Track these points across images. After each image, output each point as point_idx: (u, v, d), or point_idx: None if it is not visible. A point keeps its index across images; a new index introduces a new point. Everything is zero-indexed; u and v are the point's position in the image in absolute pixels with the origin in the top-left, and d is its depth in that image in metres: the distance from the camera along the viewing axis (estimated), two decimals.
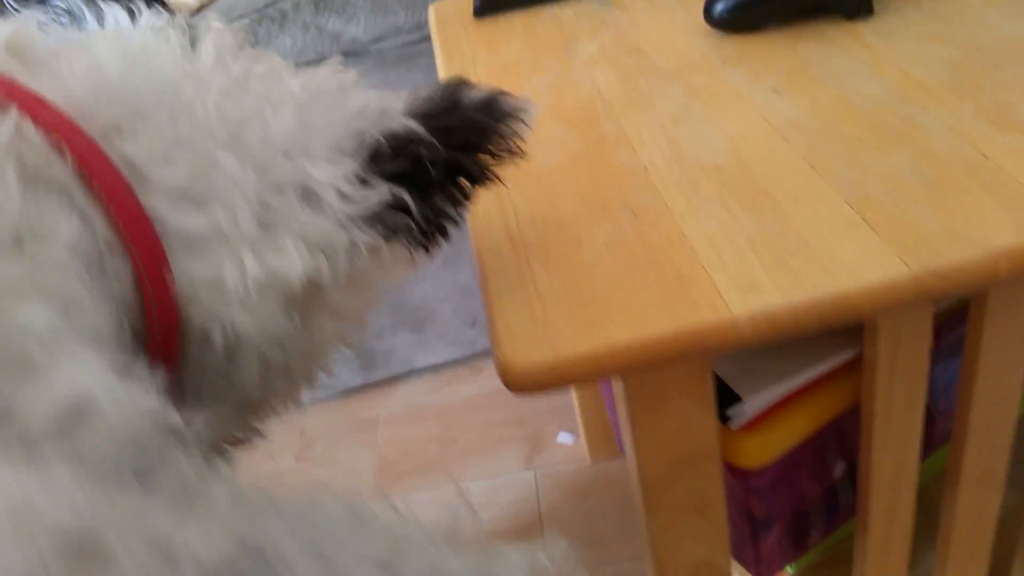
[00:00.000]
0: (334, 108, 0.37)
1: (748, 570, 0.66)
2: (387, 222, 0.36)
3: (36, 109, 0.29)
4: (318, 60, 1.00)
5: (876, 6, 0.59)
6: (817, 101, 0.51)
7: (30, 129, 0.28)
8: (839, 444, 0.59)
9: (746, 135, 0.49)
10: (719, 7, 0.60)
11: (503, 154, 0.39)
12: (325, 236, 0.34)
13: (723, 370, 0.51)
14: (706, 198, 0.45)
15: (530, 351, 0.38)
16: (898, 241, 0.39)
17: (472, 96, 0.38)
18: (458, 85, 0.38)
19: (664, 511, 0.50)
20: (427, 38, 0.90)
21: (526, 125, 0.38)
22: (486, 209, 0.49)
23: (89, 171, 0.29)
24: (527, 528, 1.04)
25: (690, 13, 0.65)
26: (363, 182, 0.35)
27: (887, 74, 0.52)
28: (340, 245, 0.35)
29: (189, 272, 0.32)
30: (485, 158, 0.38)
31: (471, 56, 0.69)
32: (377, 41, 0.93)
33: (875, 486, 0.53)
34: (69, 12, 0.39)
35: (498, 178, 0.39)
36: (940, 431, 0.60)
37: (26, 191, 0.27)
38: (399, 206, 0.36)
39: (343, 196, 0.34)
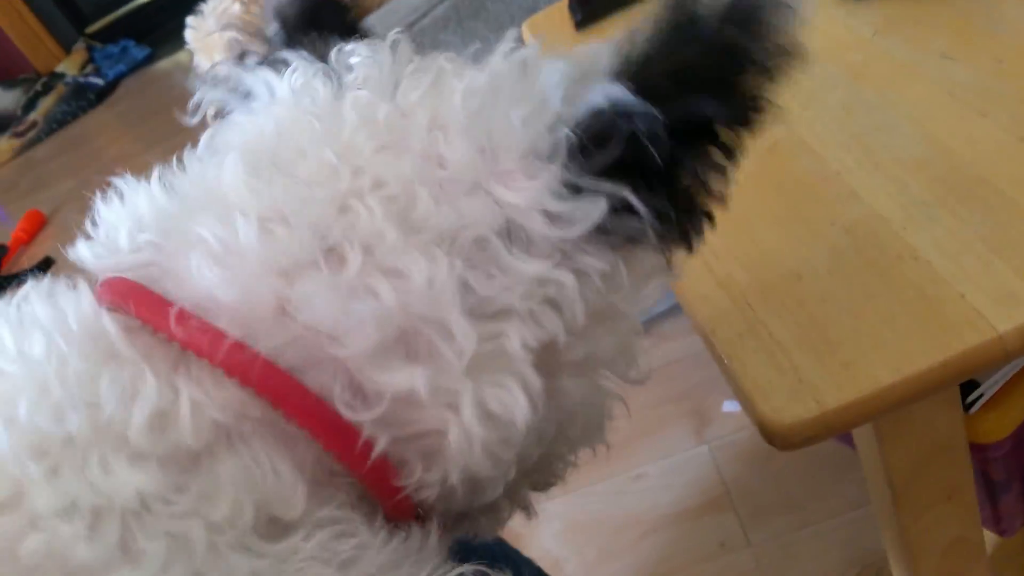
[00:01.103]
0: (518, 101, 0.29)
1: (988, 529, 0.65)
2: (620, 233, 0.29)
3: (202, 347, 0.26)
4: None
5: None
6: (1002, 61, 0.48)
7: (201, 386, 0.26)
8: None
9: (934, 115, 0.47)
10: None
11: (773, 67, 0.28)
12: (547, 281, 0.28)
13: None
14: (920, 200, 0.43)
15: (792, 406, 0.38)
16: None
17: (706, 10, 0.28)
18: (682, 3, 0.29)
19: (913, 503, 0.49)
20: None
21: (790, 28, 0.28)
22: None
23: (286, 409, 0.26)
24: (716, 503, 1.05)
25: None
26: (573, 189, 0.28)
27: None
28: (568, 285, 0.28)
29: (410, 437, 0.28)
30: (747, 87, 0.28)
31: None
32: None
33: None
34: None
35: (757, 116, 0.29)
36: None
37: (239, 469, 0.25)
38: (627, 207, 0.28)
39: (552, 218, 0.28)
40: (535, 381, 0.28)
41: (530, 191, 0.28)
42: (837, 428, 0.37)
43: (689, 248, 0.31)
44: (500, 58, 0.31)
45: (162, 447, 0.24)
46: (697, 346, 0.92)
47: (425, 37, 0.92)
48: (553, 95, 0.29)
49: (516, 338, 0.28)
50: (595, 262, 0.29)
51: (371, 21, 1.07)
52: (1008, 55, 0.48)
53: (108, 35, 3.45)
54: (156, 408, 0.25)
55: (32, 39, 3.42)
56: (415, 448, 0.28)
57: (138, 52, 3.33)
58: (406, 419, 0.27)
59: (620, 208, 0.28)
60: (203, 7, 1.09)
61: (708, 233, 0.49)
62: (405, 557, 0.26)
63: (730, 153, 0.30)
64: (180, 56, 3.11)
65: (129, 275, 0.28)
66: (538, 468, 0.35)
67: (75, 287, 0.29)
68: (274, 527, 0.25)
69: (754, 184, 0.50)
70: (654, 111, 0.27)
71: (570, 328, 0.29)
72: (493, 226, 0.28)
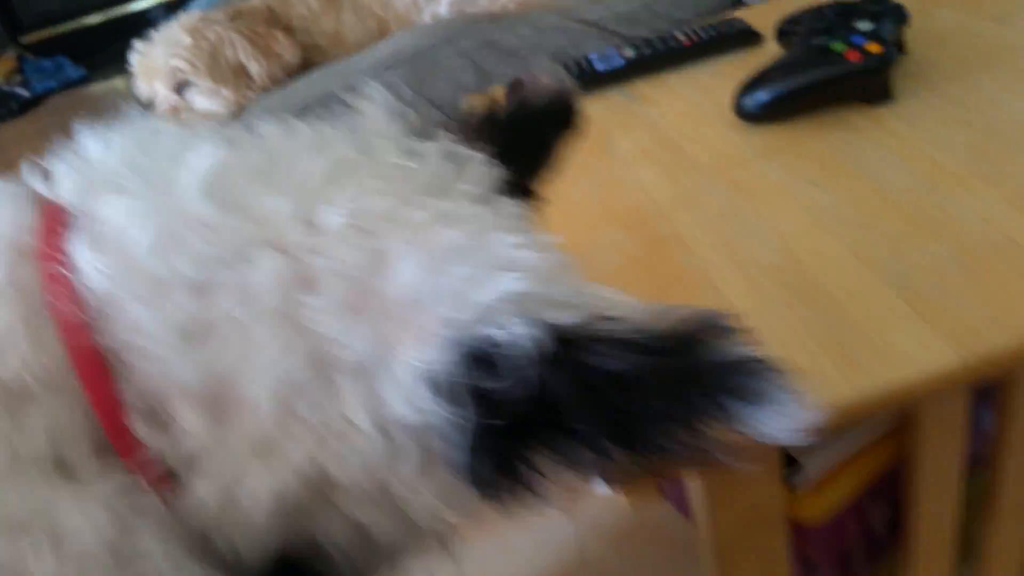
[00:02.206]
0: (469, 257, 0.28)
1: None
2: (446, 446, 0.27)
3: (58, 301, 0.28)
4: None
5: (895, 91, 0.64)
6: (854, 192, 0.55)
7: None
8: (886, 494, 0.63)
9: (793, 230, 0.54)
10: (749, 102, 0.65)
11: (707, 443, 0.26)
12: (359, 429, 0.28)
13: None
14: (769, 298, 0.49)
15: None
16: (948, 331, 0.44)
17: (711, 350, 0.26)
18: (699, 324, 0.27)
19: (734, 568, 0.53)
20: None
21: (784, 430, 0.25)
22: None
23: (90, 398, 0.28)
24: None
25: (717, 105, 0.70)
26: (448, 391, 0.26)
27: (916, 162, 0.57)
28: (376, 449, 0.28)
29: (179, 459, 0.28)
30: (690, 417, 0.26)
31: None
32: None
33: (918, 528, 0.58)
34: None
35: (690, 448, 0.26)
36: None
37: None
38: (470, 435, 0.26)
39: (409, 400, 0.27)
40: (291, 489, 0.28)
41: (422, 355, 0.27)
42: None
43: (500, 505, 0.28)
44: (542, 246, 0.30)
45: None
46: None
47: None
48: (506, 281, 0.28)
49: (301, 451, 0.28)
50: (412, 454, 0.28)
51: (327, 73, 1.12)
52: (860, 188, 0.56)
53: (44, 49, 3.36)
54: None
55: None
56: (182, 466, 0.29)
57: (73, 71, 3.24)
58: (178, 451, 0.28)
59: (461, 429, 0.26)
60: (153, 34, 1.12)
61: None
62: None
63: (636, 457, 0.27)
64: (116, 82, 3.06)
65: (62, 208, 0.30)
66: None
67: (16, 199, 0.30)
68: (65, 469, 0.27)
69: (634, 266, 0.55)
70: (557, 374, 0.26)
71: (353, 480, 0.29)
72: (360, 357, 0.28)
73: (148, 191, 0.30)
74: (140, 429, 0.28)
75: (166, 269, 0.28)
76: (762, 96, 0.64)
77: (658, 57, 0.78)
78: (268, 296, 0.28)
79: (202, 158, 0.30)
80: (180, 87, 1.10)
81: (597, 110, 0.77)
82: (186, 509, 0.29)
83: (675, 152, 0.66)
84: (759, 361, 0.26)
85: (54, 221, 0.30)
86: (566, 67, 0.81)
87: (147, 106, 1.13)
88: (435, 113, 0.98)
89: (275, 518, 0.29)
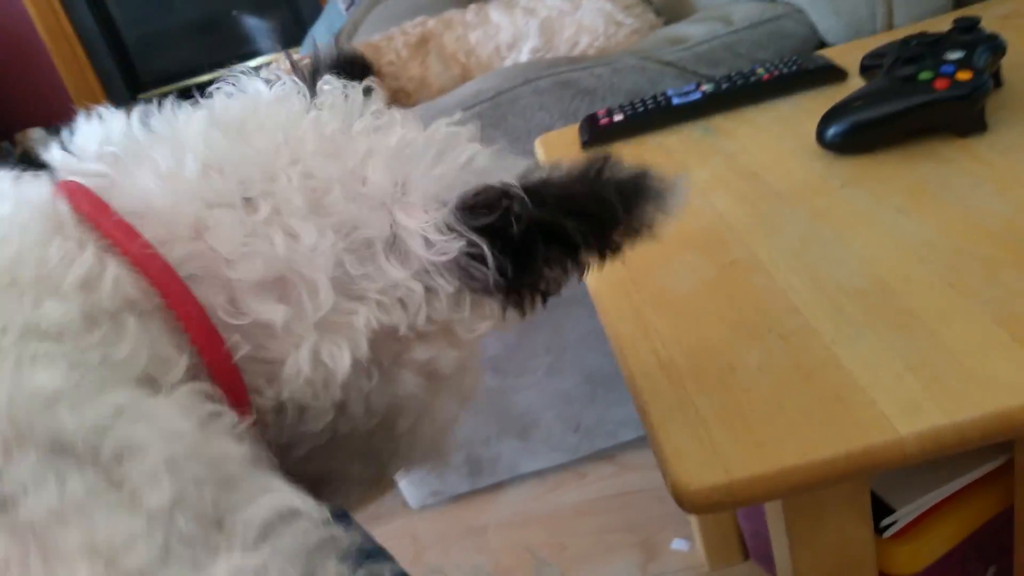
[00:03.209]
0: (439, 161, 0.38)
1: None
2: (469, 272, 0.37)
3: (123, 242, 0.33)
4: None
5: (989, 121, 0.62)
6: (945, 221, 0.53)
7: (122, 268, 0.33)
8: (990, 546, 0.58)
9: (879, 256, 0.52)
10: (832, 130, 0.64)
11: (631, 234, 0.37)
12: (403, 286, 0.36)
13: (874, 481, 0.52)
14: (852, 321, 0.47)
15: (703, 474, 0.40)
16: None
17: (612, 172, 0.37)
18: (601, 160, 0.37)
19: None
20: None
21: (665, 212, 0.37)
22: (631, 333, 0.52)
23: (170, 302, 0.34)
24: None
25: (799, 136, 0.69)
26: (451, 230, 0.36)
27: (1010, 189, 0.54)
28: (418, 293, 0.36)
29: (259, 359, 0.35)
30: (609, 236, 0.37)
31: None
32: None
33: None
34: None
35: (610, 253, 0.38)
36: None
37: (139, 332, 0.32)
38: (485, 258, 0.36)
39: (428, 243, 0.36)
40: (364, 350, 0.36)
41: (420, 221, 0.36)
42: (742, 498, 0.39)
43: (521, 312, 0.39)
44: (443, 126, 0.41)
45: (86, 302, 0.31)
46: (658, 481, 0.94)
47: None
48: (469, 166, 0.39)
49: (362, 317, 0.36)
50: (445, 284, 0.37)
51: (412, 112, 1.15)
52: (951, 216, 0.53)
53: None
54: (87, 273, 0.32)
55: (88, 94, 3.60)
56: (260, 369, 0.36)
57: None
58: (261, 343, 0.35)
59: (477, 256, 0.36)
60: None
61: (660, 322, 0.52)
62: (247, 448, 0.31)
63: (579, 266, 0.38)
64: None
65: (83, 180, 0.36)
66: (372, 454, 0.43)
67: (38, 178, 0.36)
68: (152, 384, 0.31)
69: (709, 290, 0.54)
70: (530, 205, 0.36)
71: (412, 326, 0.37)
72: (381, 234, 0.37)
73: (169, 145, 0.37)
74: (223, 328, 0.34)
75: (214, 191, 0.35)
76: (845, 124, 0.63)
77: (737, 92, 0.78)
78: (298, 198, 0.36)
79: (195, 119, 0.39)
80: None
81: (672, 143, 0.77)
82: (263, 418, 0.36)
83: (753, 181, 0.65)
84: (647, 170, 0.37)
85: (94, 187, 0.36)
86: (642, 102, 0.82)
87: None
88: (515, 147, 1.00)
89: (355, 379, 0.37)
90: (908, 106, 0.61)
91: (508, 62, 1.35)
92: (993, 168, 0.57)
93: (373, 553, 0.49)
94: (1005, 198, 0.54)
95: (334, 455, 0.42)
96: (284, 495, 0.28)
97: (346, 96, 0.41)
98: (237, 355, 0.35)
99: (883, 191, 0.58)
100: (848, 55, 0.79)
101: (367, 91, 0.42)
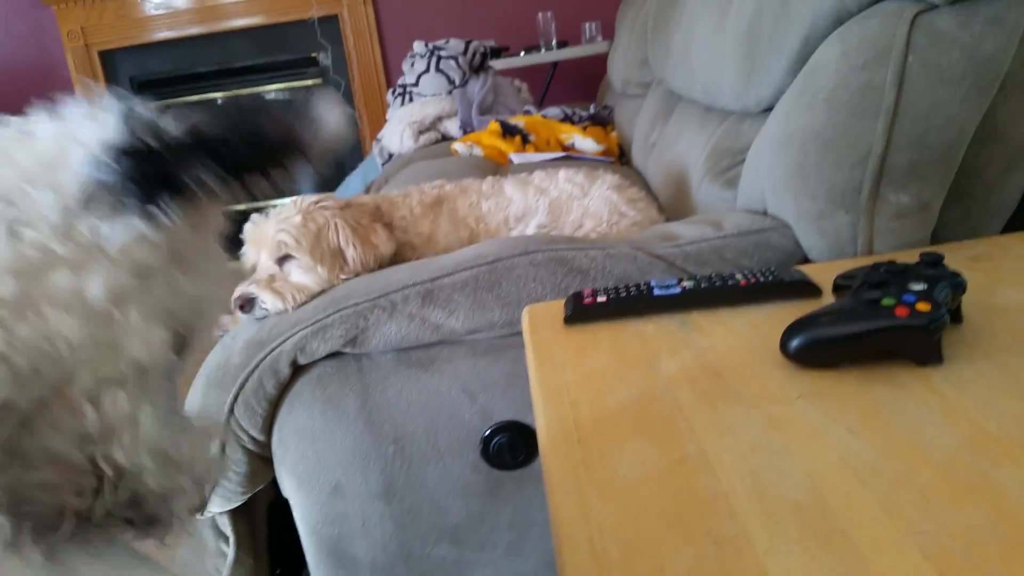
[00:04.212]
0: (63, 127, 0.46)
1: None
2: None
3: None
4: (418, 347, 1.08)
5: (946, 354, 0.64)
6: (892, 446, 0.54)
7: None
8: None
9: (824, 473, 0.52)
10: (795, 342, 0.66)
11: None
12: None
13: None
14: (787, 535, 0.47)
15: None
16: None
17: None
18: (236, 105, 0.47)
19: None
20: (517, 333, 0.99)
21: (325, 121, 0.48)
22: (572, 517, 0.52)
23: None
24: None
25: (766, 343, 0.71)
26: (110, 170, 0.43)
27: (959, 425, 0.55)
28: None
29: None
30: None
31: (561, 360, 0.76)
32: (472, 333, 1.02)
33: None
34: None
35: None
36: None
37: None
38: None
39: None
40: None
41: (45, 201, 0.43)
42: None
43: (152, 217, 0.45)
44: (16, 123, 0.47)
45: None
46: None
47: (442, 292, 1.03)
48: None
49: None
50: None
51: (413, 267, 1.19)
52: (898, 442, 0.54)
53: None
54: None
55: None
56: None
57: None
58: None
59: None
60: (271, 210, 1.24)
61: (602, 509, 0.52)
62: None
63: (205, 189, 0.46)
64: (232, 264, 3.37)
65: None
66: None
67: None
68: None
69: (656, 483, 0.54)
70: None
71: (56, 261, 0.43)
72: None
73: None
74: None
75: None
76: (807, 338, 0.65)
77: (715, 292, 0.81)
78: None
79: None
80: (282, 259, 1.20)
81: (649, 330, 0.79)
82: None
83: (717, 380, 0.67)
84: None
85: None
86: (627, 288, 0.85)
87: (249, 271, 1.23)
88: (506, 312, 1.03)
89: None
90: (868, 328, 0.64)
91: (514, 233, 1.41)
92: (945, 400, 0.59)
93: None
94: (952, 431, 0.55)
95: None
96: None
97: None
98: None
99: (837, 408, 0.60)
100: (826, 273, 0.83)
101: None
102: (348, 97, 3.98)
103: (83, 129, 0.46)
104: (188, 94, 4.08)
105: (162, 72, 4.04)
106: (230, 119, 0.46)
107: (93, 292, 0.43)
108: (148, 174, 0.44)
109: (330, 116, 0.47)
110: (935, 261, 0.70)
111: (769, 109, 1.19)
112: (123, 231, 0.44)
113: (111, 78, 3.98)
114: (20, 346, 0.40)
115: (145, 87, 4.03)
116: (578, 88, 3.77)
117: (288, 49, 3.98)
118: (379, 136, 2.90)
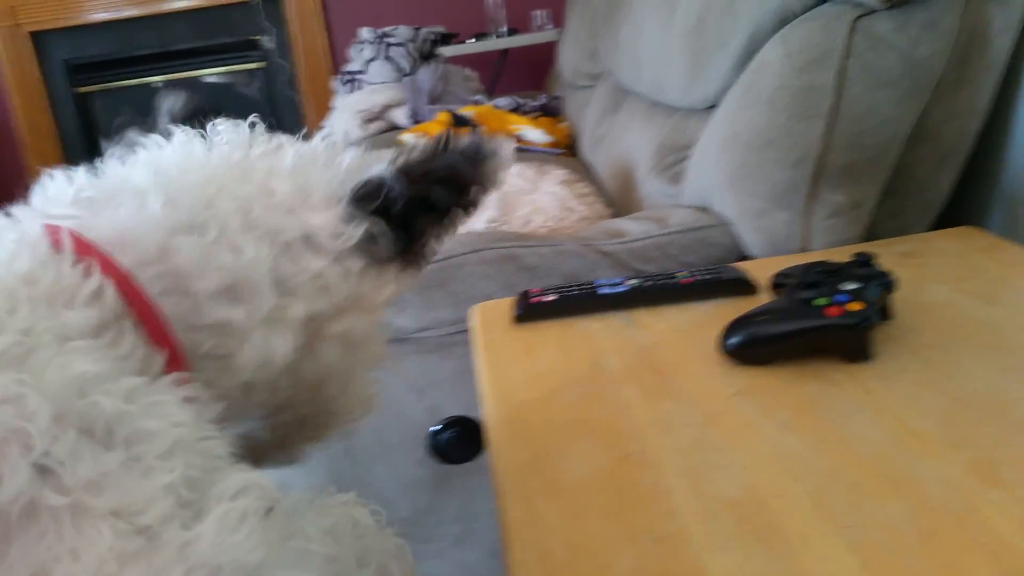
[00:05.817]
0: (327, 167, 0.50)
1: None
2: (371, 249, 0.49)
3: (106, 267, 0.42)
4: None
5: (876, 350, 0.67)
6: (822, 441, 0.57)
7: (108, 287, 0.41)
8: None
9: (758, 468, 0.54)
10: (731, 340, 0.69)
11: (482, 188, 0.51)
12: (323, 274, 0.48)
13: None
14: (723, 530, 0.49)
15: None
16: None
17: (454, 144, 0.51)
18: (444, 136, 0.51)
19: None
20: (464, 331, 0.99)
21: (497, 165, 0.52)
22: (520, 518, 0.53)
23: (140, 314, 0.42)
24: None
25: (705, 340, 0.73)
26: (350, 219, 0.48)
27: (885, 420, 0.58)
28: (336, 276, 0.48)
29: (216, 353, 0.45)
30: (462, 190, 0.51)
31: (510, 359, 0.78)
32: (421, 331, 1.03)
33: None
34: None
35: (471, 207, 0.52)
36: None
37: (132, 336, 0.41)
38: (381, 235, 0.49)
39: (335, 234, 0.48)
40: (299, 338, 0.48)
41: (324, 217, 0.48)
42: None
43: (416, 270, 0.52)
44: (319, 143, 0.53)
45: (98, 311, 0.40)
46: None
47: None
48: (352, 167, 0.51)
49: (295, 308, 0.47)
50: (354, 264, 0.49)
51: None
52: (828, 437, 0.57)
53: None
54: (95, 289, 0.40)
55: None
56: (215, 364, 0.45)
57: None
58: (218, 341, 0.45)
59: (374, 234, 0.49)
60: None
61: (548, 509, 0.54)
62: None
63: (451, 222, 0.52)
64: None
65: (63, 221, 0.43)
66: (311, 417, 0.56)
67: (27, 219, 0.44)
68: (144, 375, 0.40)
69: (600, 482, 0.56)
70: (404, 185, 0.49)
71: (334, 305, 0.49)
72: (297, 235, 0.47)
73: (128, 188, 0.46)
74: (189, 330, 0.44)
75: (172, 222, 0.44)
76: (743, 336, 0.68)
77: (658, 290, 0.83)
78: (234, 219, 0.46)
79: (139, 167, 0.49)
80: None
81: (596, 328, 0.81)
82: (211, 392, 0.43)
83: (659, 377, 0.69)
84: (479, 136, 0.52)
85: (74, 225, 0.44)
86: (573, 287, 0.87)
87: None
88: (456, 310, 1.03)
89: (294, 360, 0.48)
90: (801, 328, 0.67)
91: (465, 228, 1.42)
92: (873, 396, 0.62)
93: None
94: (879, 426, 0.58)
95: (280, 421, 0.53)
96: (247, 474, 0.37)
97: (237, 131, 0.51)
98: (198, 352, 0.44)
99: (771, 404, 0.62)
100: (764, 269, 0.86)
101: (252, 125, 0.52)
102: (291, 83, 3.91)
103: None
104: (125, 79, 3.96)
105: (98, 55, 3.91)
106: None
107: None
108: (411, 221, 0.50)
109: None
110: (866, 261, 0.74)
111: (714, 106, 1.21)
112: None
113: (43, 61, 3.84)
114: None
115: (79, 71, 3.90)
116: (528, 76, 3.77)
117: (229, 32, 3.88)
118: (324, 124, 2.87)
